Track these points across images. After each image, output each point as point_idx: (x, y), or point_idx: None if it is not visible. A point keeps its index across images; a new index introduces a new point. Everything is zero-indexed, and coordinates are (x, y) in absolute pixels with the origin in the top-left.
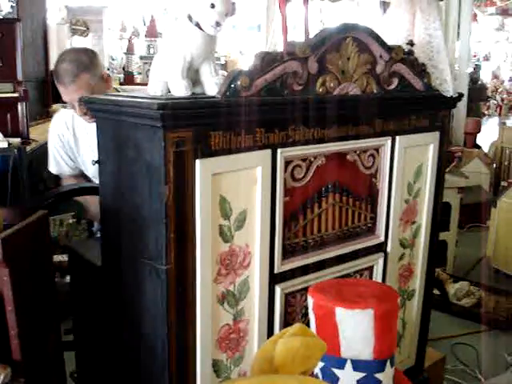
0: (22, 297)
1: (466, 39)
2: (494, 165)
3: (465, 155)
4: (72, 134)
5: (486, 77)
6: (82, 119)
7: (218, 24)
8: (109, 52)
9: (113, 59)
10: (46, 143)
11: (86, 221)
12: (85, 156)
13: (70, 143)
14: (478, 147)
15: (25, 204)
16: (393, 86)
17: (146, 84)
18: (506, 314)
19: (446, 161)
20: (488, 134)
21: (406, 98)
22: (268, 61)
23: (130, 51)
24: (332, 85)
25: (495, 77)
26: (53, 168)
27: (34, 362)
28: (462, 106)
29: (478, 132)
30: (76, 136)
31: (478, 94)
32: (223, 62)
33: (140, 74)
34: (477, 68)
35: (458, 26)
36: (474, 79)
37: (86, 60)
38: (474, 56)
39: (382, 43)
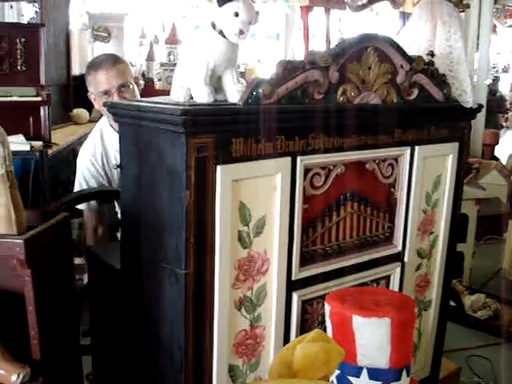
0: (42, 297)
1: (485, 50)
2: None
3: (482, 167)
4: (103, 149)
5: (504, 88)
6: (111, 132)
7: (241, 32)
8: (129, 58)
9: (132, 65)
10: (67, 147)
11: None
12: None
13: (103, 161)
14: (496, 159)
15: (46, 206)
16: (413, 97)
17: (165, 90)
18: None
19: (464, 172)
20: (506, 146)
21: (426, 108)
22: (290, 69)
23: (150, 58)
24: (352, 94)
25: None
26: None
27: (52, 363)
28: (481, 117)
29: (496, 144)
30: (106, 150)
31: (496, 105)
32: (242, 70)
33: (160, 80)
34: (496, 80)
35: (478, 37)
36: (492, 91)
37: (119, 56)
38: (493, 67)
39: (403, 53)
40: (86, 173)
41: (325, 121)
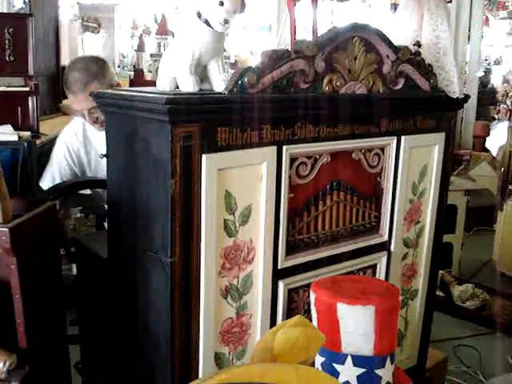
0: (28, 286)
1: (476, 43)
2: (502, 168)
3: (473, 158)
4: (82, 143)
5: (496, 81)
6: (92, 128)
7: (226, 21)
8: (119, 49)
9: (123, 56)
10: (56, 137)
11: (94, 216)
12: (98, 164)
13: (80, 153)
14: (487, 151)
15: (33, 196)
16: (399, 86)
17: (155, 81)
18: (510, 317)
19: (451, 162)
20: (497, 138)
21: (412, 98)
22: (275, 58)
23: (140, 48)
24: (338, 83)
25: (506, 81)
26: (46, 183)
27: (39, 351)
28: (472, 109)
29: (487, 136)
30: (87, 145)
31: (487, 97)
32: (233, 62)
33: (150, 71)
34: (487, 72)
35: (469, 29)
36: (484, 83)
37: (96, 69)
38: (485, 60)
39: (389, 43)
40: (61, 158)
41: (311, 110)
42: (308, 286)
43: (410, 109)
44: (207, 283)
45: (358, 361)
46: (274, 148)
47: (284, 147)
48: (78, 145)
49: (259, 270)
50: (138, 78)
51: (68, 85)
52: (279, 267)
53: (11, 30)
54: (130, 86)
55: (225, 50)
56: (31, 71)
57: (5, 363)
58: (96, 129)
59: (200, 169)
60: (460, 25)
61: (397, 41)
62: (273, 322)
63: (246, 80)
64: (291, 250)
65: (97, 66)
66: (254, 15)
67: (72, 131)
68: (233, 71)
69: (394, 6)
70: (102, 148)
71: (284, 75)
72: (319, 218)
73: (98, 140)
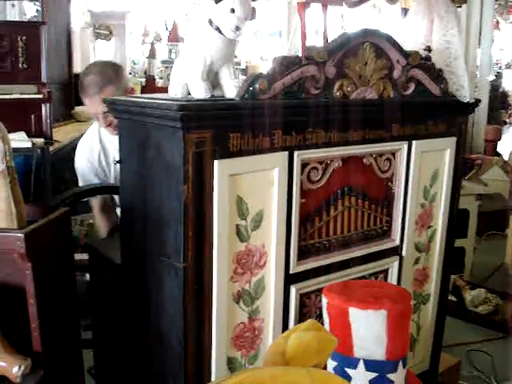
0: (43, 291)
1: (487, 46)
2: None
3: (485, 163)
4: (101, 148)
5: (508, 85)
6: (106, 132)
7: (237, 28)
8: (131, 56)
9: (134, 63)
10: (68, 144)
11: None
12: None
13: (101, 159)
14: (498, 155)
15: (47, 202)
16: (410, 91)
17: (166, 88)
18: None
19: (462, 166)
20: (509, 142)
21: (423, 103)
22: (286, 65)
23: (151, 55)
24: (349, 89)
25: None
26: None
27: (53, 356)
28: (483, 113)
29: (499, 140)
30: (105, 149)
31: (499, 101)
32: (244, 67)
33: (161, 78)
34: (498, 76)
35: (480, 33)
36: (495, 87)
37: (112, 73)
38: (496, 64)
39: (399, 48)
40: (87, 171)
41: (322, 116)
42: (320, 290)
43: (420, 113)
44: (219, 288)
45: (370, 365)
46: (286, 153)
47: (295, 152)
48: (96, 152)
49: (271, 274)
50: (149, 85)
51: (83, 88)
52: (291, 272)
53: (24, 38)
54: (142, 92)
55: (235, 57)
56: (44, 79)
57: (20, 367)
58: (109, 132)
59: (212, 174)
60: (470, 29)
61: (407, 46)
62: (285, 327)
63: (257, 86)
64: (303, 254)
65: (113, 71)
66: (264, 21)
67: (88, 141)
68: (243, 77)
69: (404, 11)
70: (117, 152)
71: (295, 81)
72: (331, 222)
73: (113, 144)
